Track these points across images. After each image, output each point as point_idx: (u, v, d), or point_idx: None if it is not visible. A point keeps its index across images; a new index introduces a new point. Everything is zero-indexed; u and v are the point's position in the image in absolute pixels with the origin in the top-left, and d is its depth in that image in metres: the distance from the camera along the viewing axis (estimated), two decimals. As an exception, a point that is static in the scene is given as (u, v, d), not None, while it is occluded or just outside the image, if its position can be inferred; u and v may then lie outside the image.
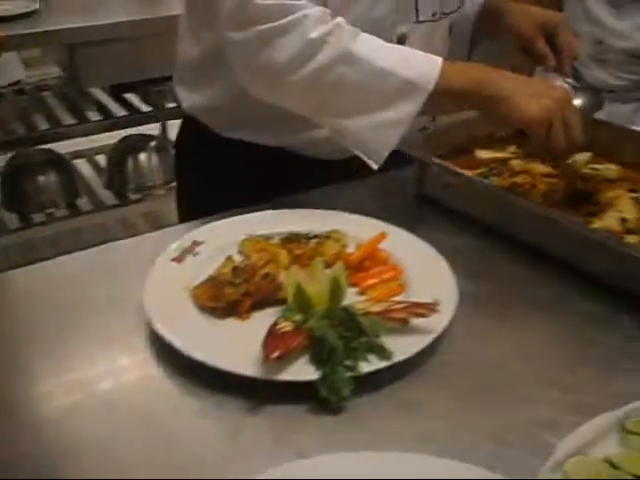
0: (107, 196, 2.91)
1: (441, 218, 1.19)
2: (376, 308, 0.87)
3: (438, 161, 1.20)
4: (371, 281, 0.97)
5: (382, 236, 1.03)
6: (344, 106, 1.08)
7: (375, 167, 1.11)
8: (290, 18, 1.04)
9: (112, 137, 3.00)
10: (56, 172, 2.82)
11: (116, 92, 2.96)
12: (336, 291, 0.88)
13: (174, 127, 1.55)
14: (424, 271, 0.98)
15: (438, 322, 0.87)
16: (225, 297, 0.91)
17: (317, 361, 0.81)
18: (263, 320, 0.88)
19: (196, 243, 1.04)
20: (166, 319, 0.89)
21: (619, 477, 0.70)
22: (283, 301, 0.91)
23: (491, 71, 1.09)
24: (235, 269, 0.95)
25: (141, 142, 2.98)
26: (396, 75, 1.05)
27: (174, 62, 1.37)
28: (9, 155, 2.85)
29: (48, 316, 0.96)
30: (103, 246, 1.14)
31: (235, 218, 1.12)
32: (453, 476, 0.69)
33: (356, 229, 1.06)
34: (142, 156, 2.94)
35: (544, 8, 1.37)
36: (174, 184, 1.56)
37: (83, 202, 2.86)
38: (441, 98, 1.07)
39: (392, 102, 1.06)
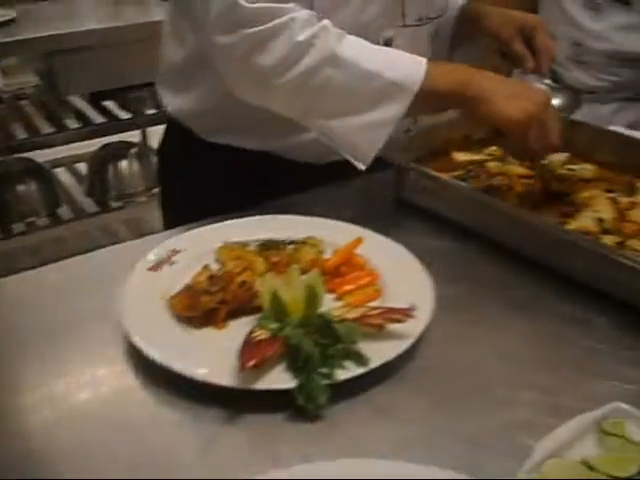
0: (88, 204, 2.90)
1: (420, 221, 1.19)
2: (352, 314, 0.87)
3: (415, 165, 1.20)
4: (348, 287, 0.96)
5: (358, 241, 1.03)
6: (331, 108, 1.09)
7: (362, 168, 1.12)
8: (277, 21, 1.04)
9: (92, 145, 2.99)
10: (36, 181, 2.81)
11: (95, 100, 2.94)
12: (312, 298, 0.87)
13: (154, 134, 1.54)
14: (401, 276, 0.98)
15: (415, 327, 0.87)
16: (201, 306, 0.90)
17: (293, 369, 0.81)
18: (240, 329, 0.88)
19: (173, 252, 1.04)
20: (143, 330, 0.88)
21: (595, 478, 0.70)
22: (260, 309, 0.91)
23: (475, 72, 1.10)
24: (211, 277, 0.94)
25: (121, 149, 2.98)
26: (382, 77, 1.06)
27: (154, 68, 1.37)
28: (-12, 165, 2.83)
29: (27, 327, 0.95)
30: (84, 255, 1.14)
31: (212, 226, 1.11)
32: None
33: (333, 235, 1.06)
34: (123, 163, 2.93)
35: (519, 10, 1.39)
36: (156, 190, 1.55)
37: (64, 211, 2.85)
38: (426, 99, 1.07)
39: (378, 103, 1.07)
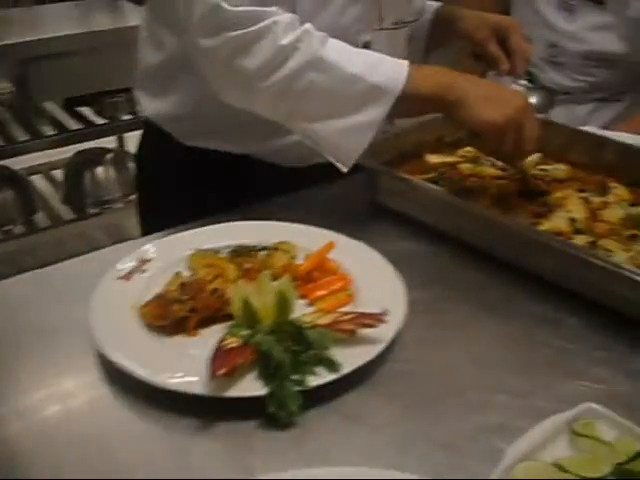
0: (65, 211, 2.88)
1: (393, 225, 1.19)
2: (324, 320, 0.86)
3: (387, 168, 1.20)
4: (320, 292, 0.96)
5: (330, 246, 1.02)
6: (314, 111, 1.10)
7: (345, 170, 1.12)
8: (261, 25, 1.04)
9: (68, 151, 2.97)
10: (12, 189, 2.79)
11: (70, 106, 2.92)
12: (283, 304, 0.87)
13: (130, 139, 1.53)
14: (373, 280, 0.98)
15: (387, 332, 0.87)
16: (172, 314, 0.89)
17: (265, 376, 0.81)
18: (212, 336, 0.87)
19: (144, 260, 1.03)
20: (113, 339, 0.87)
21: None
22: (233, 316, 0.90)
23: (457, 75, 1.11)
24: (183, 285, 0.93)
25: (98, 155, 2.96)
26: (365, 80, 1.07)
27: (128, 73, 1.37)
28: (-37, 173, 2.81)
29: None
30: (60, 263, 1.12)
31: (183, 233, 1.11)
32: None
33: (306, 240, 1.06)
34: (99, 169, 2.92)
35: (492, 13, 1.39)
36: (133, 197, 1.54)
37: (40, 218, 2.82)
38: (408, 102, 1.08)
39: (362, 106, 1.08)
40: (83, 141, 2.90)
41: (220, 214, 1.16)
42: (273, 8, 1.06)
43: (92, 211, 2.89)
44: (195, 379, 0.81)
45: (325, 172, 1.17)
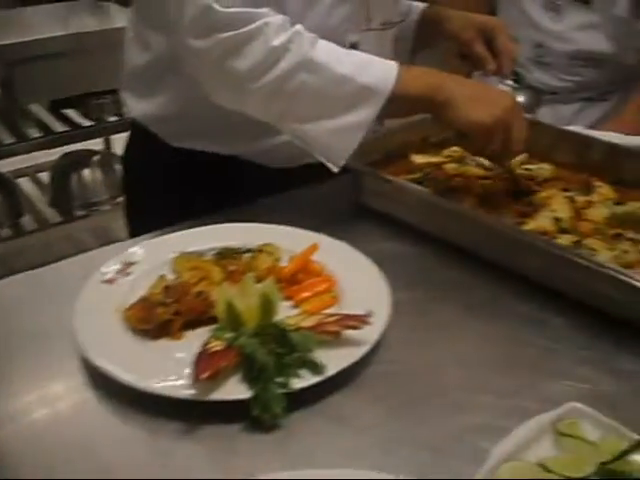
0: (52, 214, 2.86)
1: (377, 225, 1.19)
2: (308, 322, 0.86)
3: (371, 168, 1.20)
4: (304, 294, 0.96)
5: (314, 248, 1.02)
6: (305, 112, 1.10)
7: (335, 170, 1.13)
8: (252, 26, 1.04)
9: (55, 154, 2.95)
10: (-2, 192, 2.77)
11: (56, 108, 2.91)
12: (267, 307, 0.87)
13: (117, 141, 1.52)
14: (358, 281, 0.98)
15: (371, 333, 0.87)
16: (156, 318, 0.89)
17: (249, 379, 0.80)
18: (196, 339, 0.87)
19: (128, 263, 1.03)
20: (97, 344, 0.87)
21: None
22: (217, 319, 0.90)
23: (445, 76, 1.11)
24: (167, 288, 0.93)
25: (84, 157, 2.95)
26: (355, 81, 1.07)
27: (114, 75, 1.36)
28: (-51, 176, 2.79)
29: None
30: (48, 266, 1.12)
31: (167, 236, 1.10)
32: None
33: (290, 241, 1.05)
34: (86, 172, 2.90)
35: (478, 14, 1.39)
36: (120, 199, 1.53)
37: (27, 221, 2.81)
38: (397, 102, 1.09)
39: (352, 107, 1.08)
40: (69, 143, 2.89)
41: (205, 216, 1.16)
42: (264, 9, 1.06)
43: (79, 213, 2.88)
44: (179, 383, 0.81)
45: (313, 173, 1.17)
